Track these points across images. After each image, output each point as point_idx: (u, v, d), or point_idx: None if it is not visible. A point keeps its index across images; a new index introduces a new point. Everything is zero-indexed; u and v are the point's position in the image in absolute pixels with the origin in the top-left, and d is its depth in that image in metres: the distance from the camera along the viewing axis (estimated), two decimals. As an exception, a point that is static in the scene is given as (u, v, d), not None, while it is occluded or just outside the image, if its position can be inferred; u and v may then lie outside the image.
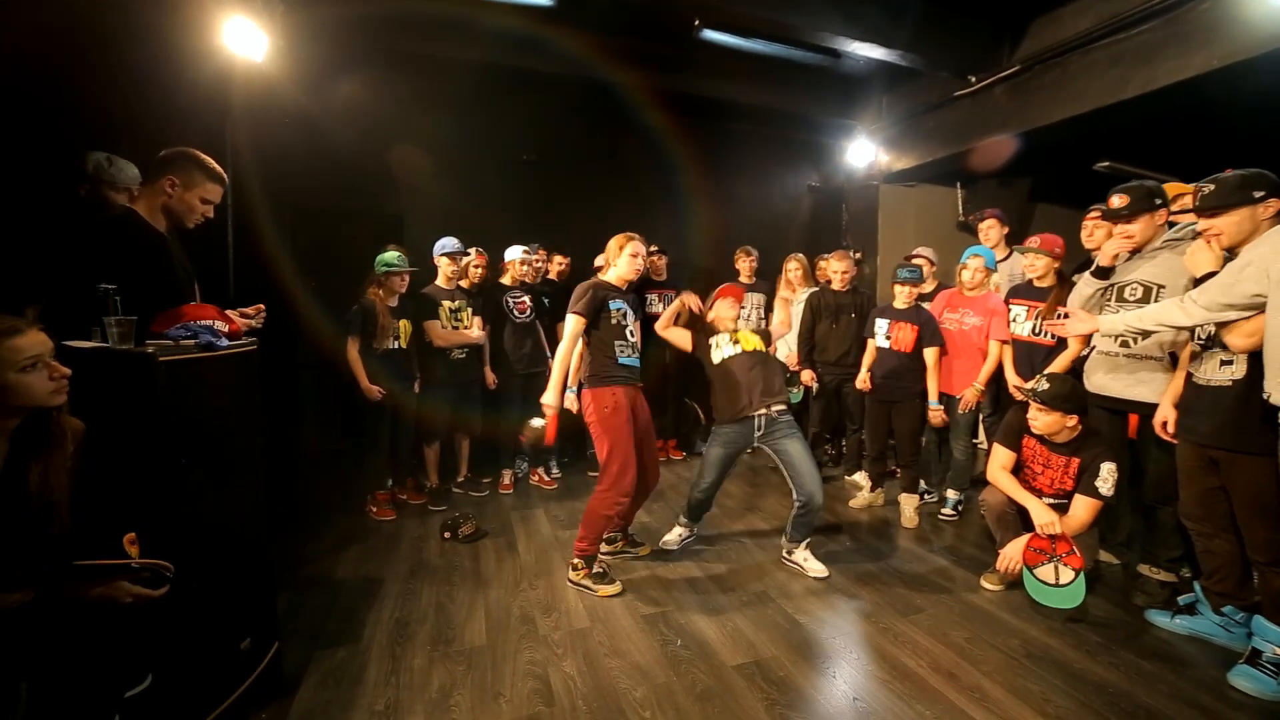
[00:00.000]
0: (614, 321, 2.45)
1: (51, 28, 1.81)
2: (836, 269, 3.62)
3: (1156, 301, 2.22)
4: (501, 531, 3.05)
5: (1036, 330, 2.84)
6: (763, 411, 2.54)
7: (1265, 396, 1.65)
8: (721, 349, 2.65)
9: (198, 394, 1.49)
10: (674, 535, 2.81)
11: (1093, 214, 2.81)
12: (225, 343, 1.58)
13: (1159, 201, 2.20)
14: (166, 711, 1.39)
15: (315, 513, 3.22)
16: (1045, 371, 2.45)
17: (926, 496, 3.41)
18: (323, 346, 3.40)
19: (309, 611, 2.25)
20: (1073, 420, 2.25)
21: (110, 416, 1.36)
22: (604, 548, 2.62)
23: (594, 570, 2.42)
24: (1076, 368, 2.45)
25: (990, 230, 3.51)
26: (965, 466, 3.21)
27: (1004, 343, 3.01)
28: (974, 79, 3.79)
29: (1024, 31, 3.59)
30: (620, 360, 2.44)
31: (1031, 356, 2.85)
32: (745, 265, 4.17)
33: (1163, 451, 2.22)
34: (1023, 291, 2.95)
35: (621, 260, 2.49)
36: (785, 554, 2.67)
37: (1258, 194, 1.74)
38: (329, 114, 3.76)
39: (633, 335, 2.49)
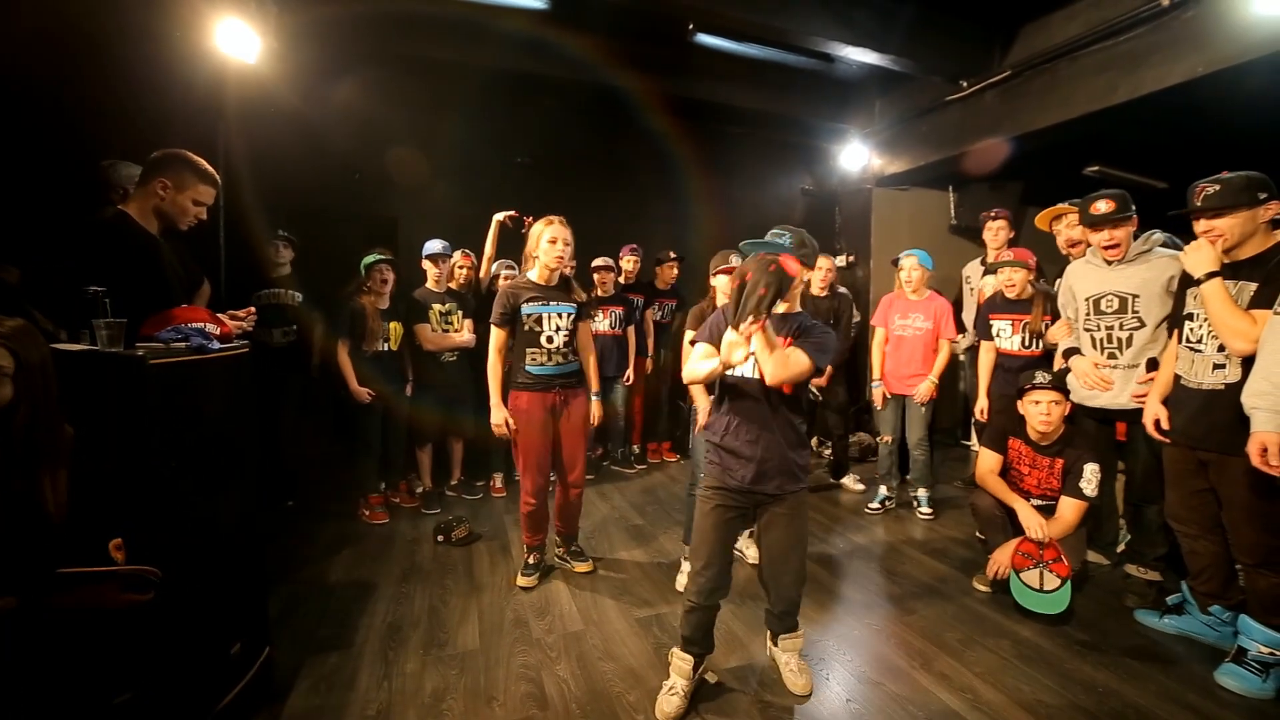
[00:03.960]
0: (526, 328, 2.38)
1: (42, 29, 1.79)
2: (822, 265, 3.52)
3: (1135, 312, 2.25)
4: (495, 534, 3.04)
5: (1025, 343, 2.84)
6: None
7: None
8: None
9: (189, 397, 1.48)
10: (684, 579, 2.40)
11: (1065, 213, 2.80)
12: (216, 345, 1.57)
13: (1134, 208, 2.24)
14: (155, 717, 1.37)
15: (308, 516, 3.20)
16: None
17: (888, 503, 3.37)
18: (315, 349, 3.37)
19: (301, 615, 2.23)
20: (1068, 407, 2.33)
21: (99, 420, 1.34)
22: (555, 550, 2.68)
23: (528, 559, 2.55)
24: (1060, 379, 2.47)
25: (1000, 231, 3.48)
26: (925, 464, 3.26)
27: (952, 341, 3.08)
28: (965, 84, 3.82)
29: (1014, 37, 3.63)
30: (529, 369, 2.39)
31: (1024, 369, 2.85)
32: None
33: (1148, 451, 2.25)
34: (1001, 306, 2.91)
35: (541, 248, 2.35)
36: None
37: (1262, 195, 1.77)
38: (322, 116, 3.75)
39: (551, 341, 2.38)
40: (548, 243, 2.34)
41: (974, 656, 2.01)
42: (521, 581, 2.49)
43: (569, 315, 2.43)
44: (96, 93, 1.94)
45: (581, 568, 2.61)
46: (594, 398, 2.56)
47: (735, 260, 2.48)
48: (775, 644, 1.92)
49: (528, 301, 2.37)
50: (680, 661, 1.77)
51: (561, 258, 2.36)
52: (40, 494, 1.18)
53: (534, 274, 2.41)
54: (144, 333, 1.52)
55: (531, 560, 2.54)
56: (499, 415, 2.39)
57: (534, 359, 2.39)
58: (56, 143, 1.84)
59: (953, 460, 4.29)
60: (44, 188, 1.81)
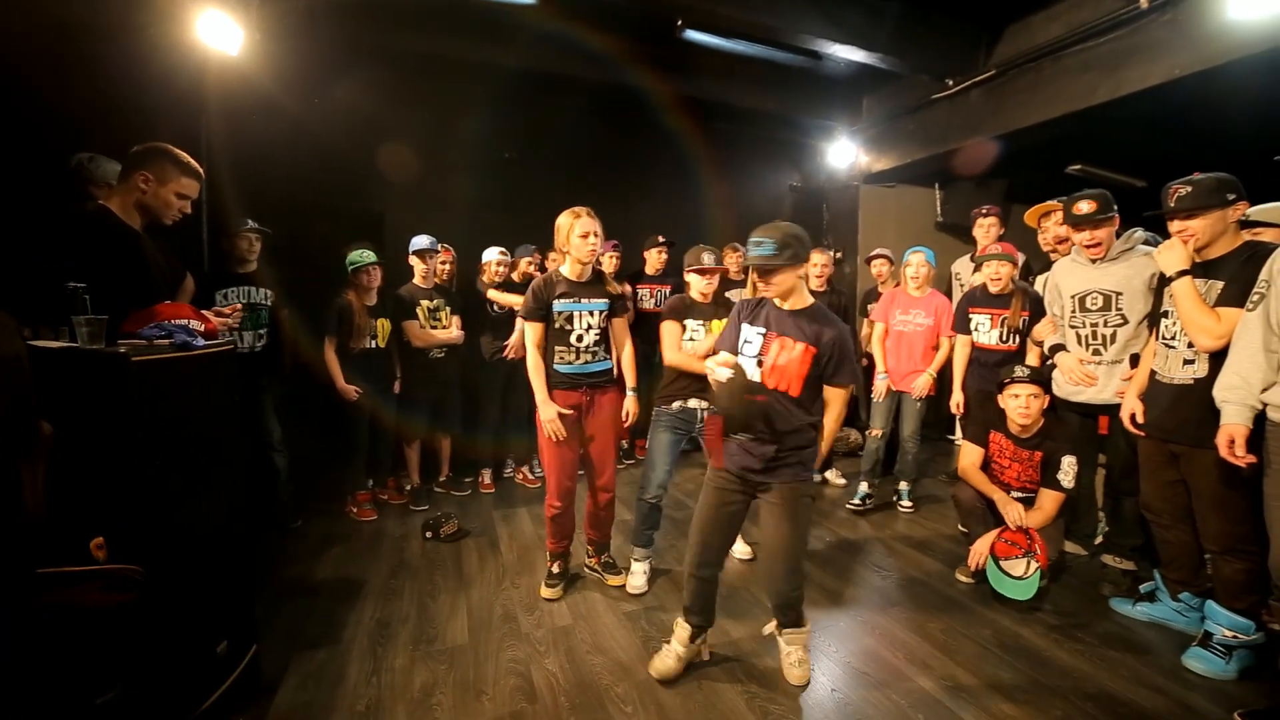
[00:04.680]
0: (557, 325, 2.27)
1: (21, 23, 1.76)
2: (816, 260, 3.46)
3: (1118, 309, 2.31)
4: (483, 530, 3.05)
5: (1003, 338, 2.89)
6: (705, 405, 2.43)
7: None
8: (696, 341, 2.49)
9: (173, 395, 1.47)
10: (639, 579, 2.46)
11: (1054, 210, 2.86)
12: (201, 342, 1.56)
13: (1115, 207, 2.29)
14: (140, 717, 1.37)
15: (296, 513, 3.17)
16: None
17: (868, 500, 3.32)
18: (287, 348, 3.30)
19: (289, 613, 2.23)
20: (1046, 401, 2.38)
21: (81, 418, 1.33)
22: (586, 559, 2.56)
23: (551, 567, 2.43)
24: (1046, 373, 2.52)
25: (991, 228, 3.51)
26: (914, 457, 3.30)
27: (950, 337, 3.11)
28: (951, 82, 3.87)
29: (999, 37, 3.67)
30: (557, 367, 2.29)
31: (1001, 365, 2.90)
32: (733, 259, 4.14)
33: (1127, 445, 2.31)
34: (981, 300, 2.95)
35: (573, 244, 2.22)
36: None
37: (1231, 196, 1.82)
38: (306, 109, 3.70)
39: (581, 340, 2.29)
40: (579, 238, 2.21)
41: (955, 645, 2.05)
42: (546, 593, 2.36)
43: (601, 312, 2.31)
44: (76, 87, 1.91)
45: (615, 581, 2.46)
46: (630, 392, 2.41)
47: (708, 258, 2.47)
48: (780, 632, 1.92)
49: (560, 298, 2.26)
50: (679, 629, 1.90)
51: (594, 251, 2.25)
52: (21, 491, 1.17)
53: (566, 269, 2.29)
54: (126, 329, 1.50)
55: (555, 569, 2.40)
56: (549, 411, 2.25)
57: (562, 357, 2.29)
58: (35, 137, 1.80)
59: (940, 456, 4.35)
60: (22, 183, 1.78)
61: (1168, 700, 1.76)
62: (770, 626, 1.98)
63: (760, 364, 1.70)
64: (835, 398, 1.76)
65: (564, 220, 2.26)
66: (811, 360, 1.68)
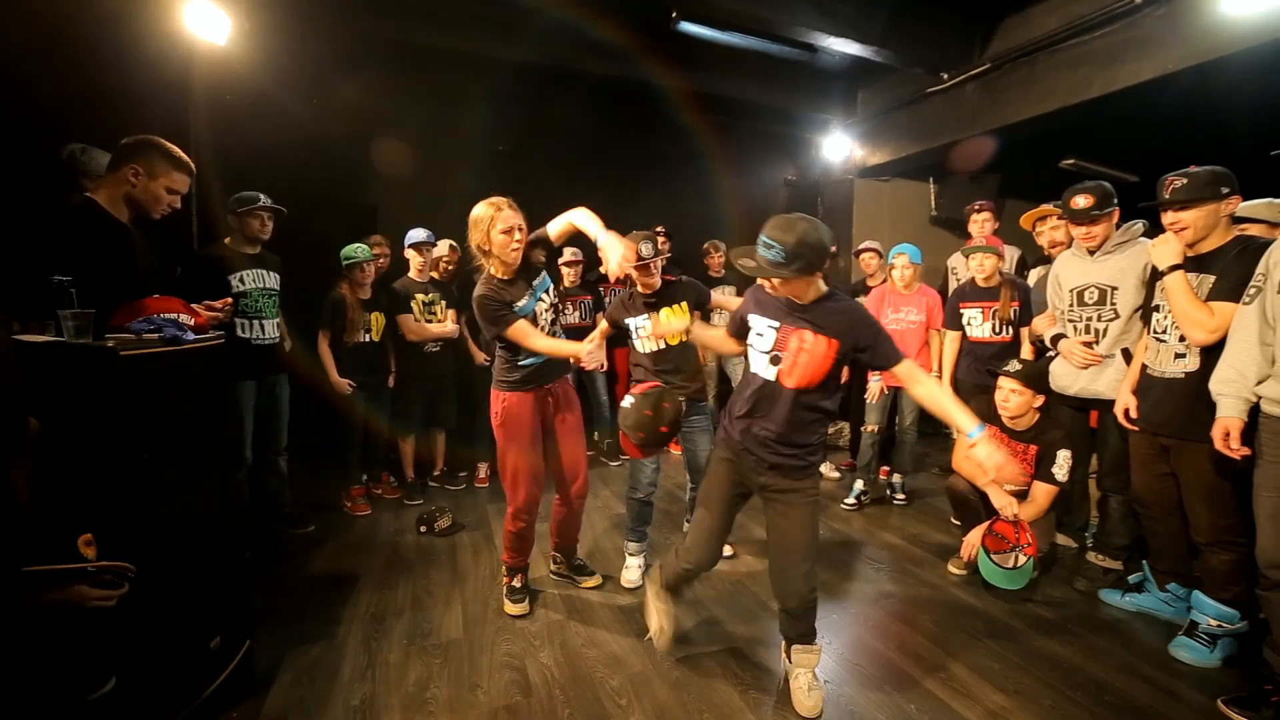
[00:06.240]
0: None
1: (4, 12, 1.72)
2: None
3: (1112, 304, 2.32)
4: (478, 525, 3.05)
5: (996, 330, 2.90)
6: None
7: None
8: (644, 340, 2.37)
9: (162, 389, 1.46)
10: (635, 573, 2.44)
11: (1049, 215, 2.89)
12: (191, 336, 1.54)
13: (1115, 201, 2.29)
14: (132, 714, 1.36)
15: (290, 508, 3.16)
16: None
17: (863, 498, 3.29)
18: (294, 340, 3.30)
19: (283, 608, 2.22)
20: (1040, 400, 2.38)
21: (68, 413, 1.32)
22: (552, 566, 2.49)
23: (512, 582, 2.24)
24: (1039, 368, 2.53)
25: (985, 223, 3.50)
26: (912, 448, 3.32)
27: (940, 331, 3.13)
28: (946, 76, 3.86)
29: (994, 30, 3.67)
30: (519, 362, 2.07)
31: (997, 356, 2.91)
32: (714, 259, 4.22)
33: (1117, 440, 2.33)
34: (971, 294, 2.96)
35: (496, 243, 1.95)
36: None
37: (1224, 189, 1.83)
38: (297, 100, 3.66)
39: (541, 327, 2.11)
40: (502, 234, 1.94)
41: (947, 636, 2.07)
42: (513, 609, 2.19)
43: (549, 290, 2.14)
44: (60, 78, 1.88)
45: (590, 583, 2.38)
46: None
47: (645, 249, 2.26)
48: (789, 657, 1.78)
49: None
50: (658, 603, 1.90)
51: (520, 248, 1.98)
52: (14, 488, 1.16)
53: (495, 271, 2.04)
54: (115, 323, 1.49)
55: (518, 583, 2.24)
56: (585, 347, 1.97)
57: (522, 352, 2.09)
58: (19, 128, 1.78)
59: (935, 450, 4.38)
60: (5, 175, 1.75)
61: (1154, 688, 1.79)
62: (783, 657, 1.84)
63: (776, 360, 1.57)
64: (901, 373, 1.55)
65: (481, 213, 1.96)
66: (836, 354, 1.54)
